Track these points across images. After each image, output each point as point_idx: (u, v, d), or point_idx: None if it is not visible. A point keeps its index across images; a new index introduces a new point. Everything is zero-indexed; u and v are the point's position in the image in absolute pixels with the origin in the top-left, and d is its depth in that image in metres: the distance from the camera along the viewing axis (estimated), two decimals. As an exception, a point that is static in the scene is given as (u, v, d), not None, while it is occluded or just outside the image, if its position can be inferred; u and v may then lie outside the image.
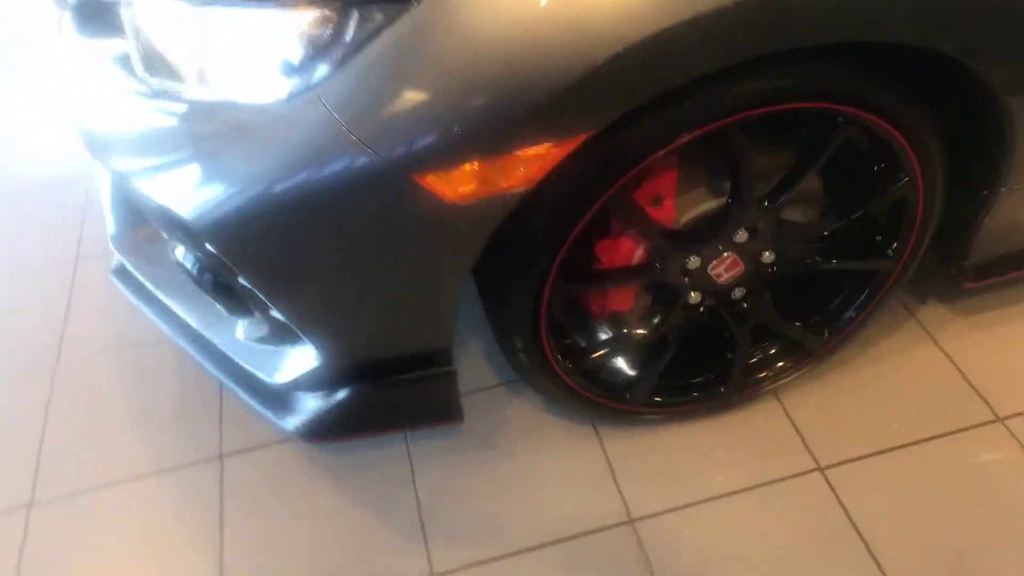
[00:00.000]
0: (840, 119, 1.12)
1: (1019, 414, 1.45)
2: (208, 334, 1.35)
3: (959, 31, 1.01)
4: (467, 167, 0.97)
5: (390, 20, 0.93)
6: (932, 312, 1.65)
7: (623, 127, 1.00)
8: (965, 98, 1.15)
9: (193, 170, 1.05)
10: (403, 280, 1.09)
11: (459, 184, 0.98)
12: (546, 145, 0.97)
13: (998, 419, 1.45)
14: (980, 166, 1.25)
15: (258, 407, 1.31)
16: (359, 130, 0.95)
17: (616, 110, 0.96)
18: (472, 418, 1.54)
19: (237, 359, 1.32)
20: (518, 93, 0.92)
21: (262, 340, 1.28)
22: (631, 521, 1.38)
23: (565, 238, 1.10)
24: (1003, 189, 1.25)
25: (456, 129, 0.94)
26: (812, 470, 1.42)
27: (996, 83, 1.08)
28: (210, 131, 1.03)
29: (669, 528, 1.37)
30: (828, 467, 1.42)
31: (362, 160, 0.95)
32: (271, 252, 1.05)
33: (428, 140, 0.94)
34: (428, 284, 1.10)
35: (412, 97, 0.94)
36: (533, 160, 0.98)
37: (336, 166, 0.96)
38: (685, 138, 1.03)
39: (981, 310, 1.64)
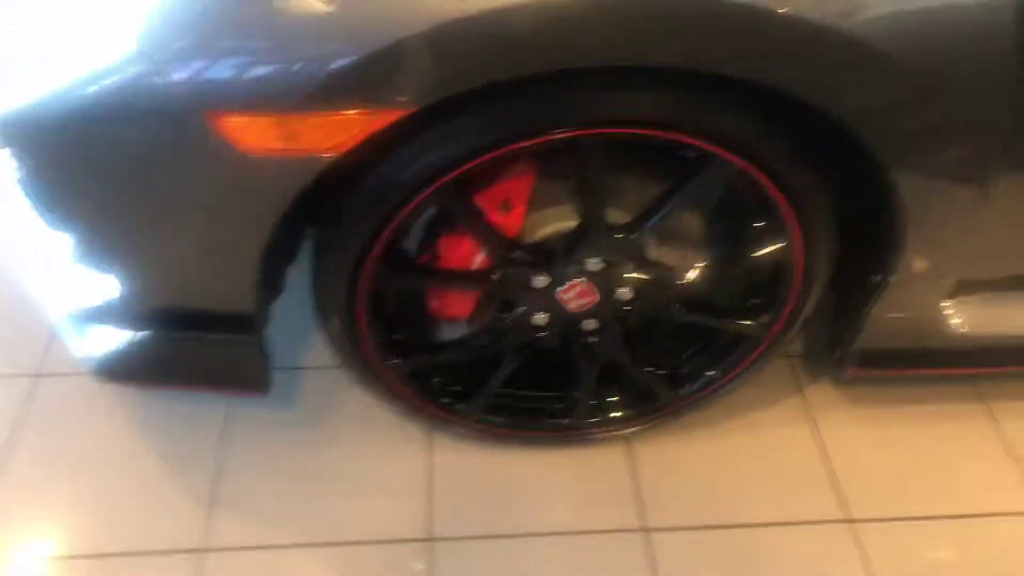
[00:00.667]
0: (713, 159, 1.01)
1: (871, 520, 1.34)
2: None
3: (789, 65, 0.89)
4: (268, 116, 0.87)
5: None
6: (821, 393, 1.53)
7: (447, 117, 0.90)
8: (857, 171, 1.05)
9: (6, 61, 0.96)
10: (196, 230, 0.99)
11: (257, 134, 0.88)
12: (357, 111, 0.87)
13: (849, 521, 1.35)
14: (872, 249, 1.15)
15: (58, 330, 1.23)
16: (154, 50, 0.85)
17: (436, 91, 0.86)
18: (306, 395, 1.45)
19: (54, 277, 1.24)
20: (333, 44, 0.84)
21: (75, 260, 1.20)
22: (428, 540, 1.28)
23: (383, 223, 1.00)
24: (892, 278, 1.15)
25: (261, 72, 0.85)
26: (636, 530, 1.31)
27: (879, 154, 0.97)
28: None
29: (465, 555, 1.27)
30: (654, 530, 1.31)
31: (151, 84, 0.85)
32: (63, 165, 0.96)
33: (227, 76, 0.85)
34: (224, 241, 1.00)
35: (220, 26, 0.86)
36: (341, 125, 0.88)
37: (123, 85, 0.87)
38: (519, 145, 0.93)
39: (870, 403, 1.52)
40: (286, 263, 1.20)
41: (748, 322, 1.23)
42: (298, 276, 1.21)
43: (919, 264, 1.13)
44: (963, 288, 1.22)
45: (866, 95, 0.89)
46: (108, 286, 1.14)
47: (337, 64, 0.83)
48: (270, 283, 1.13)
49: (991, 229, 1.09)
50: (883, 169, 0.97)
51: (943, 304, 1.23)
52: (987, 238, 1.10)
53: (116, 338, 1.19)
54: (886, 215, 1.06)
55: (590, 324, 1.21)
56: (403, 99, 0.86)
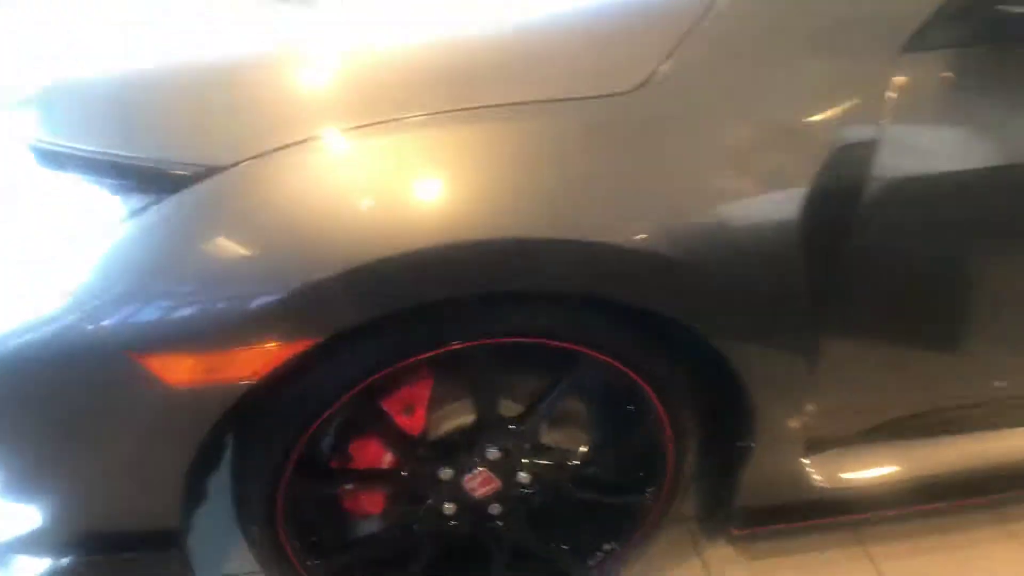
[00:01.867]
0: (584, 356, 1.17)
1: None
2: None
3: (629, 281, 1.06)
4: (193, 353, 1.00)
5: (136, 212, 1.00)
6: (719, 551, 1.64)
7: (357, 339, 1.05)
8: (704, 356, 1.24)
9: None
10: (123, 455, 1.08)
11: (183, 369, 1.01)
12: (276, 343, 1.01)
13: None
14: (734, 418, 1.32)
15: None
16: (86, 298, 0.98)
17: (346, 321, 1.01)
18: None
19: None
20: (255, 285, 0.97)
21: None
22: None
23: (298, 435, 1.11)
24: (754, 442, 1.32)
25: (187, 313, 0.98)
26: None
27: (711, 341, 1.15)
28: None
29: None
30: None
31: (83, 329, 0.98)
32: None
33: (154, 318, 0.98)
34: (151, 463, 1.09)
35: (148, 273, 0.99)
36: (261, 355, 1.02)
37: (58, 332, 0.98)
38: (418, 356, 1.08)
39: (765, 555, 1.63)
40: (209, 472, 1.27)
41: (636, 495, 1.36)
42: (221, 481, 1.28)
43: (772, 428, 1.31)
44: (816, 446, 1.40)
45: (681, 298, 1.09)
46: (30, 515, 1.19)
47: (258, 302, 0.97)
48: (193, 494, 1.20)
49: (825, 392, 1.29)
50: (719, 352, 1.16)
51: (803, 461, 1.40)
52: (822, 401, 1.29)
53: (36, 567, 1.22)
54: (736, 389, 1.24)
55: (495, 509, 1.32)
56: (317, 329, 1.01)
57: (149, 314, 0.98)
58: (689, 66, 1.02)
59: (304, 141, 0.98)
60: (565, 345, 1.13)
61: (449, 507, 1.29)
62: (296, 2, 1.31)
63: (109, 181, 1.02)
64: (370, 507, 1.30)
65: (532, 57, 1.06)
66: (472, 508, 1.30)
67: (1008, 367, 1.40)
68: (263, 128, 1.00)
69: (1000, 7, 1.04)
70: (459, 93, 1.01)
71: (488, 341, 1.11)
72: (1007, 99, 1.10)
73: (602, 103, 1.00)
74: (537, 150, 1.00)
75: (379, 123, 0.99)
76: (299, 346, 1.01)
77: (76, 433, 1.06)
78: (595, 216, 1.00)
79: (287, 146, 0.98)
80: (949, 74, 1.07)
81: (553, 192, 1.00)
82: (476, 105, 1.00)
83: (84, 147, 1.03)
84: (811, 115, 1.04)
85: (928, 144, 1.08)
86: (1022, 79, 1.11)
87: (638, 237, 1.01)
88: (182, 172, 0.98)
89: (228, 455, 1.26)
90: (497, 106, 1.00)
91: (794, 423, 1.32)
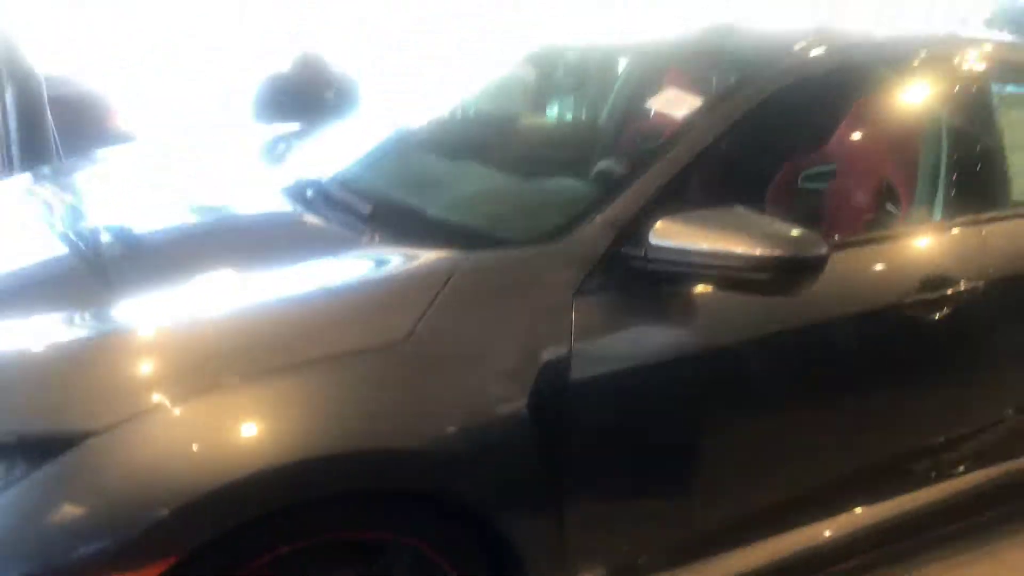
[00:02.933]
0: (395, 542, 1.40)
1: None
2: None
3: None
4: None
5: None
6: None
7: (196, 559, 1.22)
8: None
9: None
10: None
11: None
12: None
13: None
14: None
15: None
16: None
17: (186, 546, 1.19)
18: None
19: None
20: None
21: None
22: None
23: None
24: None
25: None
26: None
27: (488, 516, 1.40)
28: None
29: None
30: None
31: None
32: None
33: None
34: None
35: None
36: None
37: None
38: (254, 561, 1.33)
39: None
40: None
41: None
42: None
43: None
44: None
45: (453, 483, 1.38)
46: None
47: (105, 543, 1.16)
48: None
49: (582, 546, 1.64)
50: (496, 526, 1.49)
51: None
52: (582, 552, 1.61)
53: None
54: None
55: None
56: (165, 552, 1.18)
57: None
58: (440, 322, 1.41)
59: (144, 412, 1.22)
60: (376, 535, 1.39)
61: None
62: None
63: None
64: None
65: (320, 320, 1.40)
66: None
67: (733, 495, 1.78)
68: (106, 401, 1.23)
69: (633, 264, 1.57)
70: (267, 356, 1.32)
71: (322, 537, 1.33)
72: (645, 316, 1.62)
73: (380, 351, 1.36)
74: (335, 390, 1.32)
75: (204, 388, 1.26)
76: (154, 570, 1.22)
77: None
78: (384, 430, 1.33)
79: (133, 417, 1.21)
80: (613, 304, 1.59)
81: (349, 417, 1.32)
82: (283, 364, 1.32)
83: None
84: (524, 345, 1.47)
85: (603, 353, 1.58)
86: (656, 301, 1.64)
87: (419, 441, 1.35)
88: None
89: None
90: (299, 363, 1.31)
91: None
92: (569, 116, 2.71)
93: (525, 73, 2.69)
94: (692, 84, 2.04)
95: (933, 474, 2.06)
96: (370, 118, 2.63)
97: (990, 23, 7.33)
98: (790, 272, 1.46)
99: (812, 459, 1.85)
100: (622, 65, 2.70)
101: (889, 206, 2.19)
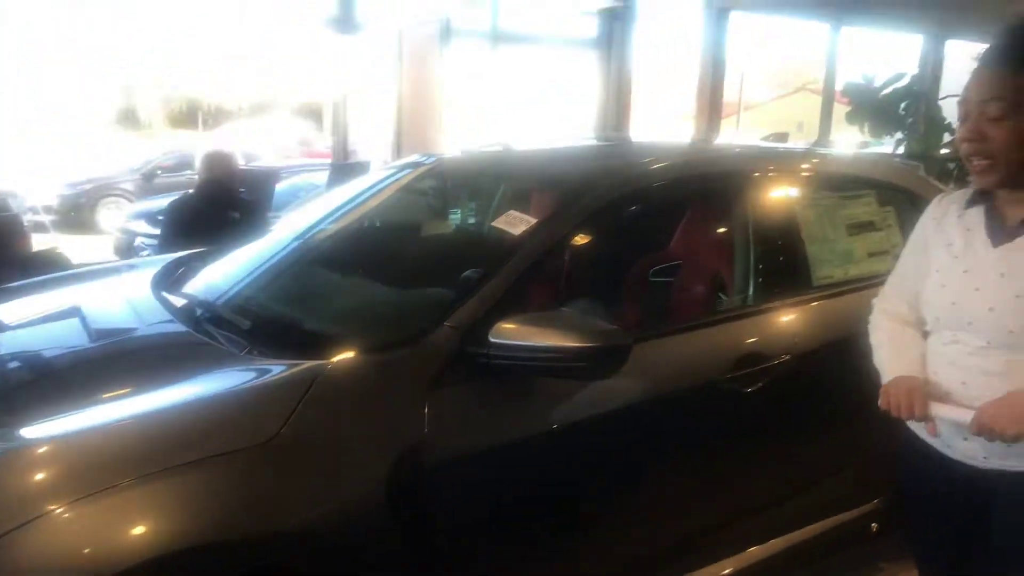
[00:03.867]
0: None
1: None
2: None
3: None
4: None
5: None
6: None
7: None
8: None
9: None
10: None
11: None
12: None
13: None
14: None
15: None
16: None
17: None
18: None
19: None
20: None
21: None
22: None
23: None
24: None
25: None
26: None
27: None
28: None
29: None
30: None
31: None
32: None
33: None
34: None
35: None
36: None
37: None
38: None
39: None
40: None
41: None
42: None
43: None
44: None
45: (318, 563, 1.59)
46: None
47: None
48: None
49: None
50: None
51: None
52: None
53: None
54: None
55: None
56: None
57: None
58: (303, 423, 1.60)
59: (37, 518, 1.37)
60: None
61: None
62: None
63: None
64: None
65: (198, 427, 1.59)
66: None
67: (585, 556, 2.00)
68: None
69: (478, 360, 1.83)
70: (152, 460, 1.48)
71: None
72: (490, 405, 1.86)
73: (249, 451, 1.54)
74: (211, 487, 1.50)
75: (98, 491, 1.43)
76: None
77: None
78: (254, 520, 1.50)
79: (23, 524, 1.36)
80: (462, 396, 1.84)
81: (223, 510, 1.48)
82: (166, 466, 1.48)
83: None
84: (380, 439, 1.68)
85: (455, 440, 1.81)
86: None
87: (286, 528, 1.53)
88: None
89: None
90: (180, 464, 1.49)
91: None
92: (445, 229, 3.01)
93: (410, 186, 2.98)
94: (550, 199, 2.37)
95: (764, 531, 2.34)
96: (266, 236, 2.85)
97: (850, 117, 8.17)
98: (602, 360, 1.74)
99: (651, 521, 2.10)
100: (498, 177, 3.03)
101: (721, 295, 2.54)
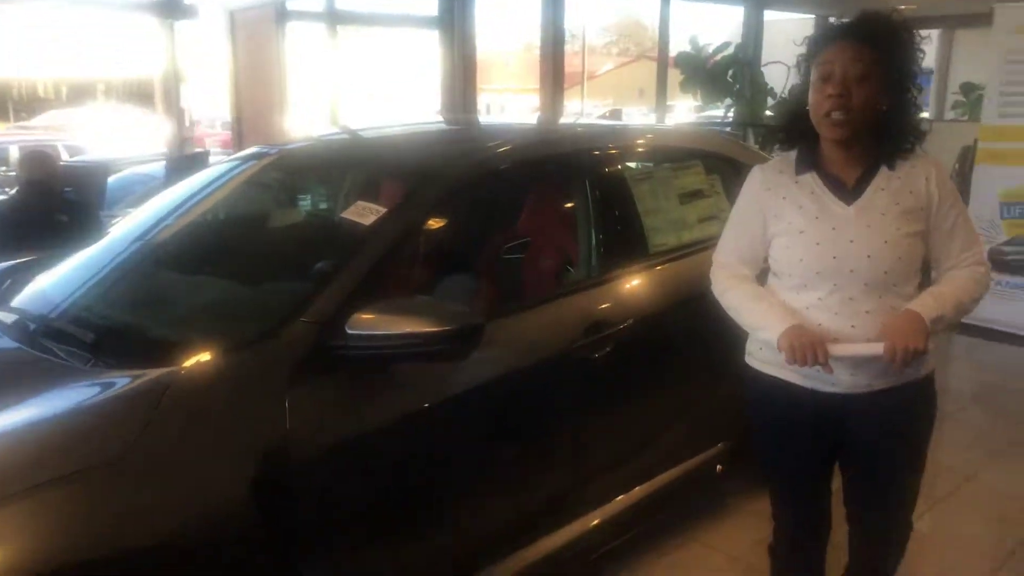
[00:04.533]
0: None
1: None
2: None
3: None
4: None
5: None
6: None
7: None
8: None
9: None
10: None
11: None
12: None
13: None
14: None
15: None
16: None
17: None
18: None
19: None
20: None
21: None
22: None
23: None
24: None
25: None
26: None
27: None
28: None
29: None
30: None
31: None
32: None
33: None
34: None
35: None
36: None
37: None
38: None
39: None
40: None
41: None
42: None
43: None
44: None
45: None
46: None
47: None
48: None
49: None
50: None
51: None
52: None
53: None
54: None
55: None
56: None
57: None
58: (157, 434, 1.58)
59: None
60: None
61: None
62: None
63: None
64: None
65: (46, 448, 1.54)
66: None
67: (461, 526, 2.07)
68: None
69: (337, 352, 1.85)
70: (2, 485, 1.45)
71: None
72: (351, 395, 1.90)
73: (102, 469, 1.51)
74: (66, 508, 1.45)
75: None
76: None
77: None
78: (114, 536, 1.47)
79: None
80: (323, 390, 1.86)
81: (80, 529, 1.45)
82: (18, 490, 1.44)
83: None
84: (242, 441, 1.67)
85: (319, 433, 1.84)
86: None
87: (150, 541, 1.51)
88: None
89: None
90: (32, 487, 1.45)
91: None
92: (294, 221, 2.97)
93: (254, 178, 2.91)
94: (399, 187, 2.39)
95: (625, 482, 2.52)
96: (103, 238, 2.70)
97: (683, 85, 8.61)
98: (457, 342, 1.82)
99: (518, 487, 2.22)
100: (344, 166, 3.00)
101: (569, 268, 2.68)
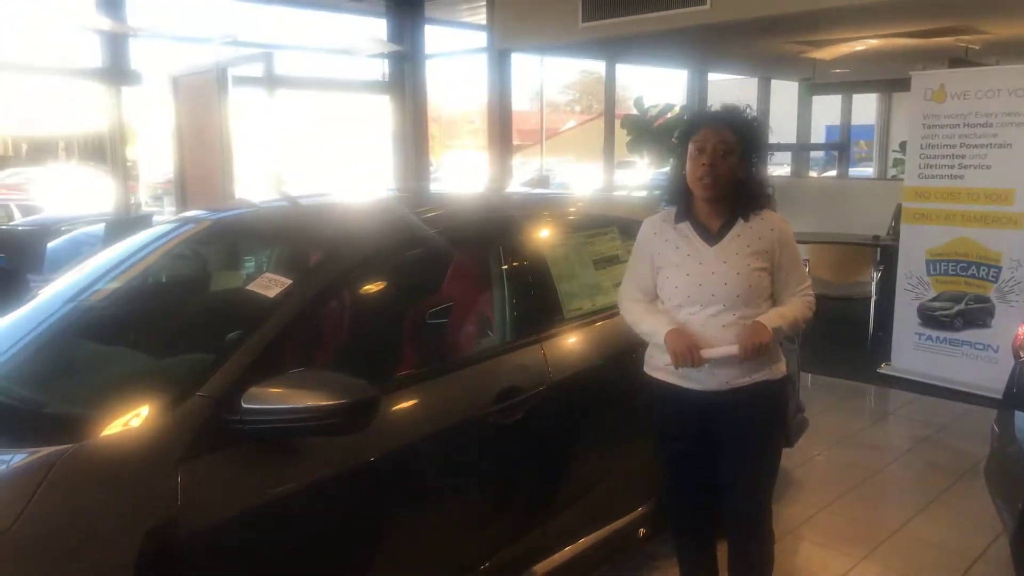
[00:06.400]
0: None
1: None
2: None
3: None
4: None
5: None
6: None
7: None
8: None
9: None
10: None
11: None
12: None
13: None
14: None
15: None
16: None
17: None
18: None
19: None
20: None
21: None
22: None
23: None
24: None
25: None
26: None
27: None
28: None
29: None
30: None
31: None
32: None
33: None
34: None
35: None
36: None
37: None
38: None
39: None
40: None
41: None
42: None
43: None
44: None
45: None
46: None
47: None
48: None
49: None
50: None
51: None
52: None
53: None
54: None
55: None
56: None
57: None
58: (41, 512, 1.58)
59: None
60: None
61: None
62: None
63: None
64: None
65: None
66: None
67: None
68: None
69: (233, 427, 1.85)
70: None
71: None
72: (245, 470, 1.90)
73: None
74: None
75: None
76: None
77: None
78: None
79: None
80: (217, 465, 1.85)
81: None
82: None
83: None
84: (129, 518, 1.66)
85: (210, 508, 1.83)
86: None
87: None
88: None
89: None
90: None
91: None
92: (209, 291, 2.95)
93: (178, 248, 2.92)
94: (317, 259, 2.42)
95: (542, 549, 2.52)
96: (19, 309, 2.68)
97: (630, 146, 8.83)
98: (351, 414, 1.83)
99: (425, 555, 2.21)
100: (267, 237, 3.01)
101: (489, 333, 2.72)
